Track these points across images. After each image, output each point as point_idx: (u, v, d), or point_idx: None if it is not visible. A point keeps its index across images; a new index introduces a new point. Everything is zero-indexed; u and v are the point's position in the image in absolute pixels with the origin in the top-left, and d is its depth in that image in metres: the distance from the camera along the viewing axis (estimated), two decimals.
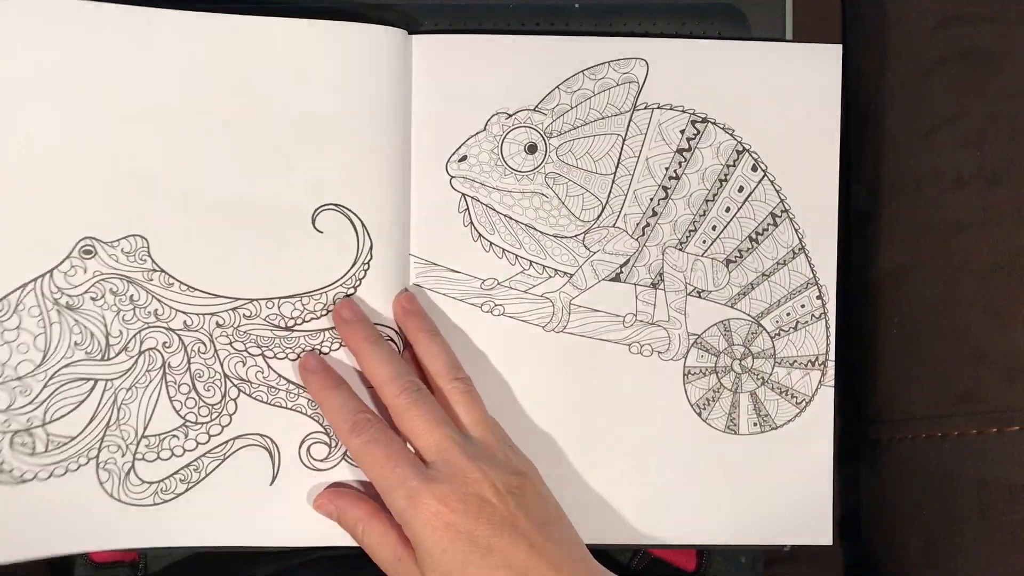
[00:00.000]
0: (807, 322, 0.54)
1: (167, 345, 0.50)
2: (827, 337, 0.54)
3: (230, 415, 0.51)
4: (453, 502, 0.44)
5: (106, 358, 0.49)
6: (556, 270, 0.53)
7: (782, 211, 0.53)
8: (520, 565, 0.44)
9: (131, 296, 0.49)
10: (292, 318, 0.51)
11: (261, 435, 0.51)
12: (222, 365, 0.50)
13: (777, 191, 0.53)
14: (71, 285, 0.48)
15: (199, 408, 0.50)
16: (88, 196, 0.48)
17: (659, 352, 0.53)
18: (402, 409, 0.47)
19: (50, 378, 0.48)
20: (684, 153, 0.53)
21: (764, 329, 0.54)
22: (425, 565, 0.44)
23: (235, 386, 0.51)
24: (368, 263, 0.51)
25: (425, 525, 0.44)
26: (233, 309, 0.50)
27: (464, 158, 0.52)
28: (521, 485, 0.46)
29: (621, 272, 0.53)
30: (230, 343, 0.50)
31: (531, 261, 0.53)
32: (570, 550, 0.46)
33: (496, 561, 0.44)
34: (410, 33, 0.52)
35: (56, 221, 0.48)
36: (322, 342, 0.51)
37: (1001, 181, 0.50)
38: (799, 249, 0.54)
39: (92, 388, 0.49)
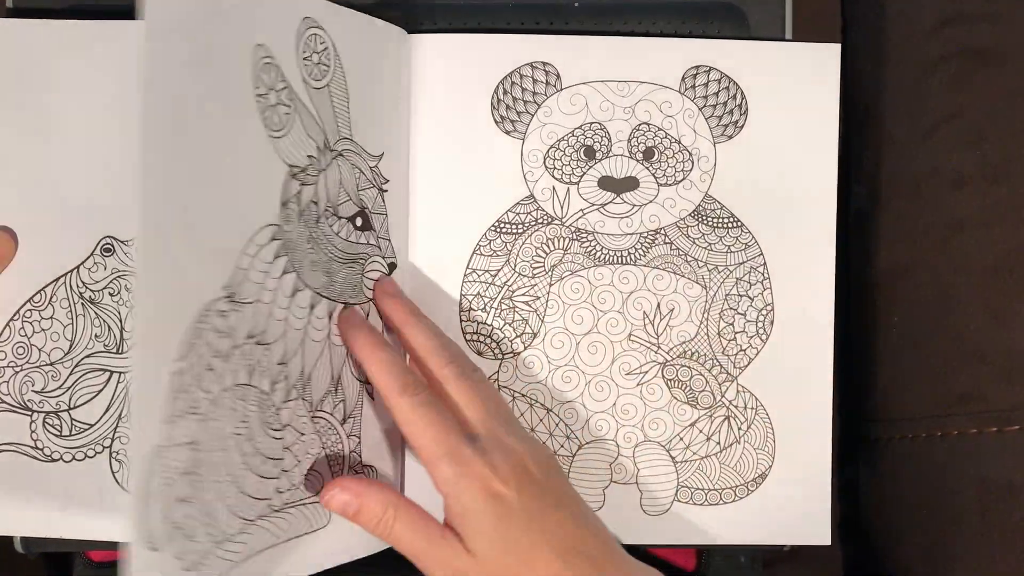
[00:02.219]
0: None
1: None
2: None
3: None
4: (504, 473, 0.44)
5: (120, 351, 0.51)
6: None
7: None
8: (568, 536, 0.44)
9: None
10: None
11: None
12: None
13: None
14: (93, 280, 0.51)
15: None
16: (107, 197, 0.50)
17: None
18: (452, 379, 0.47)
19: (75, 366, 0.51)
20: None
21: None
22: (471, 536, 0.44)
23: None
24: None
25: (476, 494, 0.43)
26: None
27: None
28: (554, 465, 0.48)
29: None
30: None
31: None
32: (602, 525, 0.48)
33: (549, 533, 0.44)
34: (409, 32, 0.52)
35: (82, 220, 0.51)
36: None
37: (1001, 180, 0.50)
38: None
39: (108, 379, 0.51)
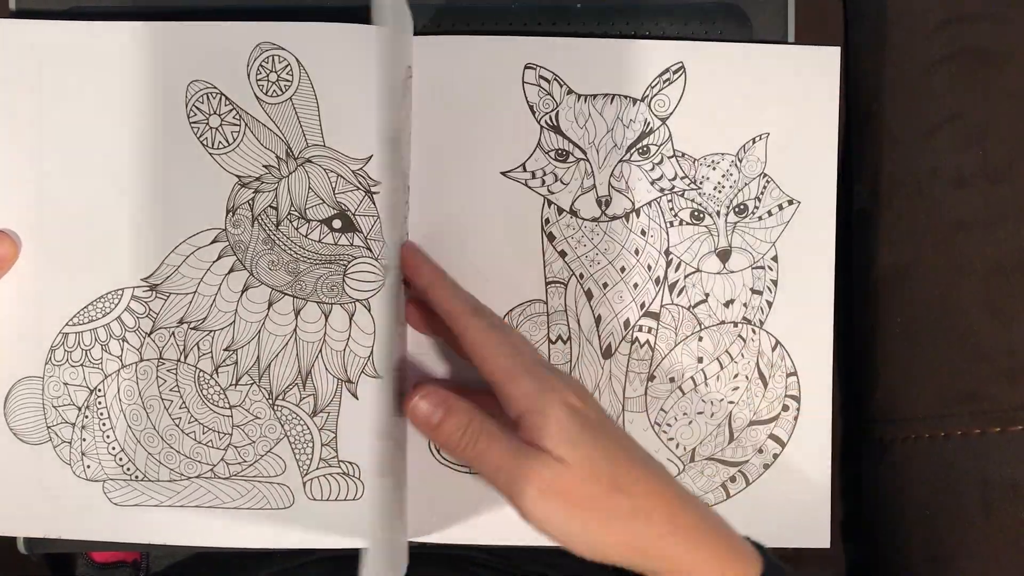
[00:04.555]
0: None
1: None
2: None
3: None
4: (576, 390, 0.44)
5: None
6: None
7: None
8: (626, 447, 0.44)
9: None
10: None
11: None
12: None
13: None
14: None
15: None
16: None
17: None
18: (484, 328, 0.46)
19: None
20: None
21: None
22: (558, 445, 0.43)
23: None
24: None
25: (560, 405, 0.43)
26: None
27: None
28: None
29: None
30: None
31: None
32: None
33: (623, 441, 0.44)
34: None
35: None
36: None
37: (1003, 180, 0.50)
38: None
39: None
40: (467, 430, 0.44)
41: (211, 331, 0.51)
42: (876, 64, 0.57)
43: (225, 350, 0.51)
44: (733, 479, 0.54)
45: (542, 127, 0.52)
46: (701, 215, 0.53)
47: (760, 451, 0.54)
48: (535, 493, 0.42)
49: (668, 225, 0.53)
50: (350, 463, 0.51)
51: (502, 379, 0.44)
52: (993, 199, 0.51)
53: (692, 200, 0.53)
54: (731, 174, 0.53)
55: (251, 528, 0.51)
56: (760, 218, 0.53)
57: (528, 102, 0.52)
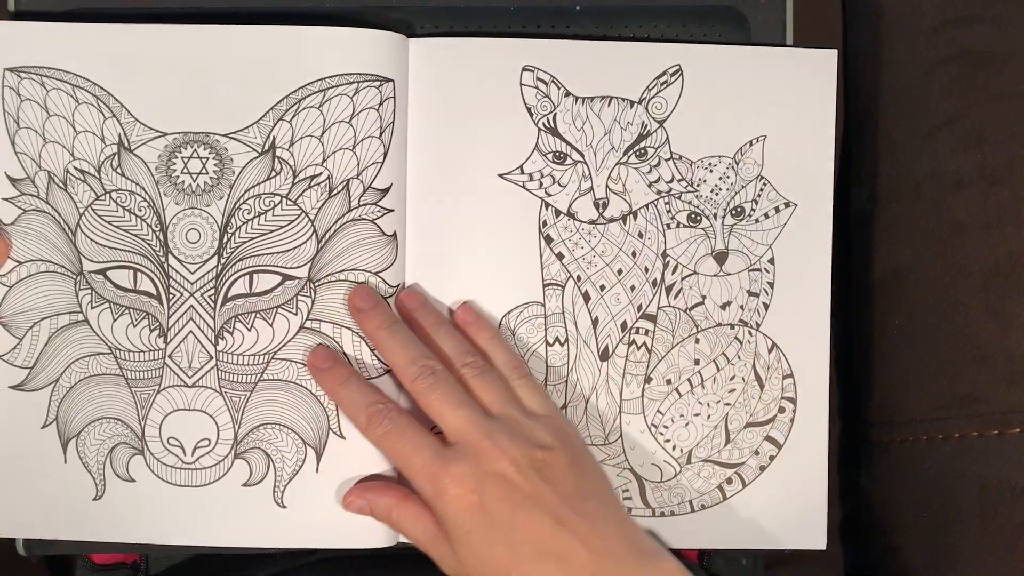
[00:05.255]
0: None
1: None
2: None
3: None
4: (472, 482, 0.45)
5: None
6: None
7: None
8: (545, 541, 0.44)
9: None
10: None
11: None
12: None
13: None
14: None
15: None
16: None
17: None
18: (420, 393, 0.47)
19: None
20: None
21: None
22: (455, 545, 0.45)
23: None
24: None
25: (448, 507, 0.45)
26: None
27: None
28: (547, 459, 0.46)
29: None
30: None
31: None
32: (604, 524, 0.46)
33: (520, 538, 0.44)
34: (408, 36, 0.52)
35: None
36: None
37: (1001, 182, 0.50)
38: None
39: None
40: (390, 518, 0.49)
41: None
42: (874, 66, 0.56)
43: None
44: (729, 481, 0.54)
45: (540, 129, 0.52)
46: (698, 217, 0.53)
47: (756, 453, 0.54)
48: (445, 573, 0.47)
49: (665, 227, 0.53)
50: None
51: (408, 480, 0.47)
52: (992, 201, 0.51)
53: (689, 202, 0.53)
54: (728, 176, 0.53)
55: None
56: (757, 220, 0.53)
57: (526, 104, 0.52)
